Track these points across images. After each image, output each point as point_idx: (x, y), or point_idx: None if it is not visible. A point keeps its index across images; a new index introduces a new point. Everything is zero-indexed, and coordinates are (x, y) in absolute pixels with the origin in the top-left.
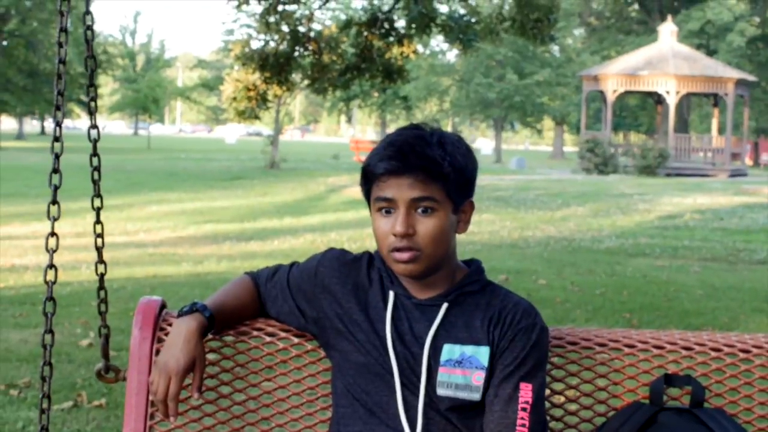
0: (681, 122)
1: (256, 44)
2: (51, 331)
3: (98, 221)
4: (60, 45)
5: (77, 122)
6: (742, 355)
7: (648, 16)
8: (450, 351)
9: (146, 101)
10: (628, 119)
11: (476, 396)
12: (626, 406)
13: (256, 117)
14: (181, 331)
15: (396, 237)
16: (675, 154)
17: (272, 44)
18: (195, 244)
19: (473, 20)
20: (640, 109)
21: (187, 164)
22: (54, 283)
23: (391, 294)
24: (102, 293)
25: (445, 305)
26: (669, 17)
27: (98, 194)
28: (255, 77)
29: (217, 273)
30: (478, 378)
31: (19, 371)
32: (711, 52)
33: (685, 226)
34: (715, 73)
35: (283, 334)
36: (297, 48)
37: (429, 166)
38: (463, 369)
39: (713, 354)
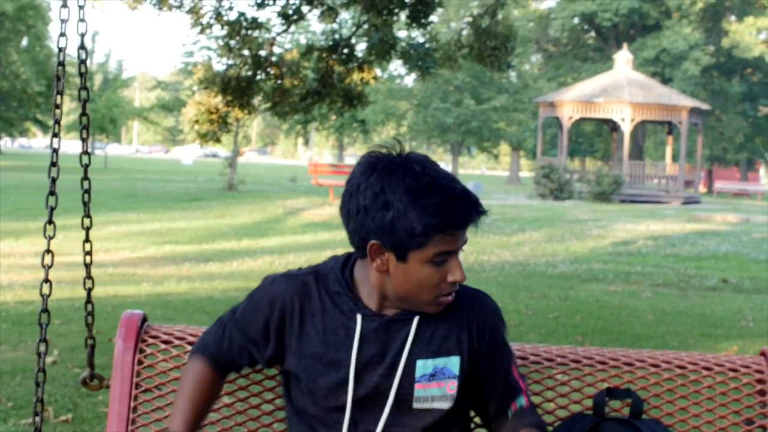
0: (636, 149)
1: (217, 67)
2: (45, 340)
3: (87, 239)
4: (58, 78)
5: (33, 141)
6: (678, 371)
7: (604, 44)
8: (423, 366)
9: (103, 121)
10: (583, 145)
11: (449, 404)
12: (570, 417)
13: (218, 140)
14: None
15: (452, 284)
16: (629, 181)
17: (234, 68)
18: (154, 264)
19: (432, 47)
20: (596, 135)
21: (144, 185)
22: (48, 296)
23: (359, 318)
24: (89, 306)
25: (416, 319)
26: (625, 45)
27: (88, 214)
28: (217, 100)
29: (177, 293)
30: (452, 387)
31: None
32: (666, 80)
33: (638, 252)
34: (669, 101)
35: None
36: (259, 72)
37: (482, 215)
38: (438, 381)
39: (652, 369)
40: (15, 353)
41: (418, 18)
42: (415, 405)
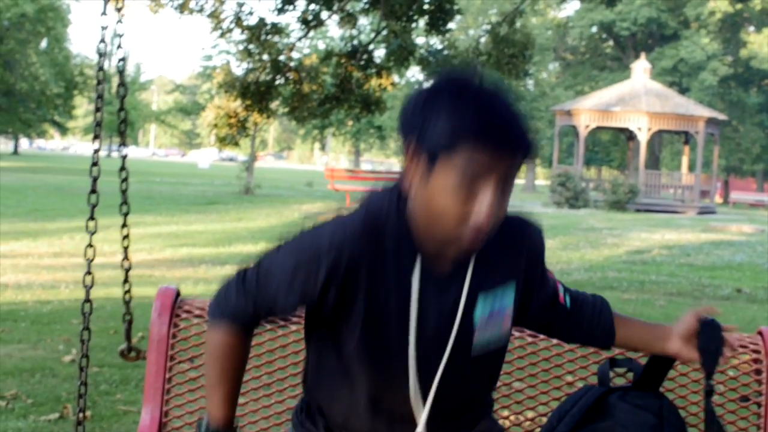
0: (652, 159)
1: (237, 71)
2: (88, 329)
3: (125, 224)
4: (98, 82)
5: (49, 143)
6: None
7: (622, 53)
8: (482, 306)
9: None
10: (600, 154)
11: (505, 341)
12: (578, 390)
13: (236, 143)
14: None
15: (475, 229)
16: (645, 190)
17: (253, 73)
18: (171, 266)
19: (450, 54)
20: (612, 144)
21: (161, 188)
22: (91, 287)
23: (419, 258)
24: (126, 285)
25: (472, 262)
26: (642, 54)
27: (125, 201)
28: (236, 104)
29: (194, 296)
30: (508, 320)
31: (5, 384)
32: (683, 90)
33: (652, 261)
34: (686, 111)
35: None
36: (278, 77)
37: (532, 151)
38: (494, 320)
39: None
40: (35, 351)
41: (436, 25)
42: (474, 351)
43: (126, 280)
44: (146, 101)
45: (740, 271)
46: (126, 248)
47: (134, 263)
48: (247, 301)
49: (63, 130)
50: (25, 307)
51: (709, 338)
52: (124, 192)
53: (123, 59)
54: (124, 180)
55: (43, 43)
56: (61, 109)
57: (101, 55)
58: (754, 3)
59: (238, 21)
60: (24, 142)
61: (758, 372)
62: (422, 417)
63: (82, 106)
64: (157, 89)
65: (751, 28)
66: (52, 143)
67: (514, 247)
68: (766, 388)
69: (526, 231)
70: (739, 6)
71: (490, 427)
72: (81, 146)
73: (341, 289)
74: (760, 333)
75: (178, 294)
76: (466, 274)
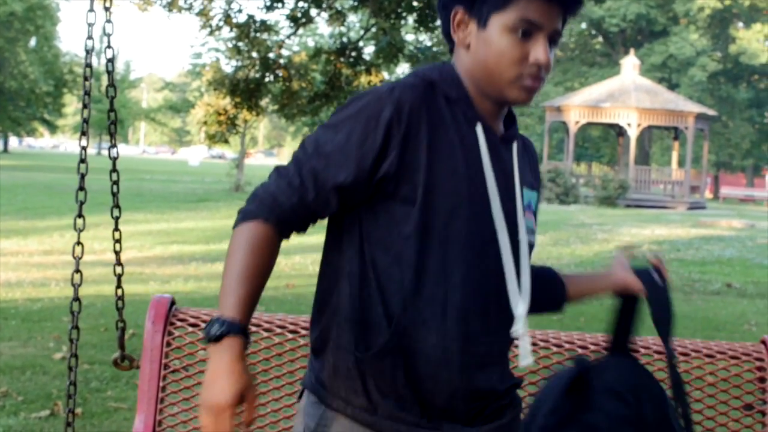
0: (642, 154)
1: (226, 69)
2: (77, 327)
3: (117, 228)
4: (85, 79)
5: (39, 141)
6: (681, 357)
7: (611, 49)
8: (525, 195)
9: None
10: (590, 150)
11: (533, 238)
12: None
13: (226, 141)
14: (221, 363)
15: (535, 66)
16: (635, 186)
17: (243, 70)
18: (162, 264)
19: (440, 51)
20: (602, 140)
21: (152, 185)
22: (80, 285)
23: (479, 127)
24: (119, 291)
25: (515, 145)
26: (632, 51)
27: (117, 205)
28: (225, 102)
29: (185, 292)
30: (534, 222)
31: None
32: (673, 86)
33: (642, 256)
34: (675, 107)
35: (278, 330)
36: (267, 74)
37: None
38: (529, 212)
39: (656, 356)
40: (25, 349)
41: (425, 22)
42: (520, 236)
43: (119, 286)
44: (136, 99)
45: (730, 266)
46: (118, 252)
47: (124, 261)
48: (289, 189)
49: (53, 128)
50: (15, 305)
51: (656, 304)
52: (115, 195)
53: (111, 60)
54: (116, 183)
55: (32, 42)
56: (51, 107)
57: (88, 51)
58: None
59: (227, 19)
60: (14, 141)
61: (762, 380)
62: (522, 305)
63: (72, 104)
64: (146, 87)
65: (740, 24)
66: (42, 141)
67: (532, 161)
68: None
69: (530, 148)
70: (727, 2)
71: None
72: (71, 144)
73: (403, 147)
74: (763, 342)
75: (172, 303)
76: (512, 149)
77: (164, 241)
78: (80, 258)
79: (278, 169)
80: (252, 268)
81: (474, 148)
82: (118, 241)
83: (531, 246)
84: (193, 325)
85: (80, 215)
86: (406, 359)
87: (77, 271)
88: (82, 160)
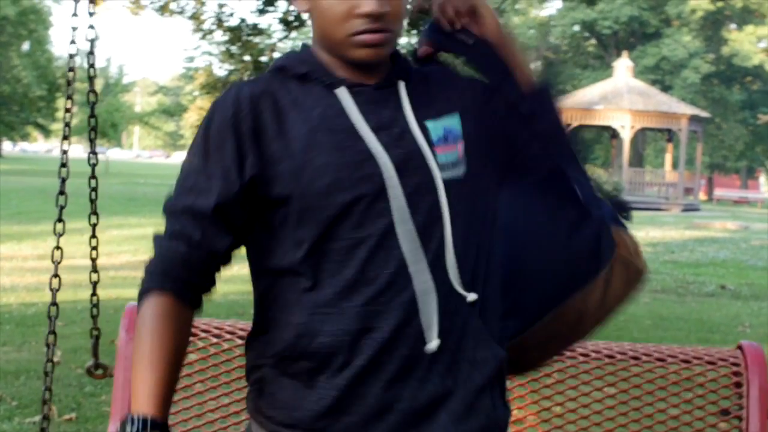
0: (636, 156)
1: (219, 72)
2: (54, 332)
3: (93, 235)
4: (68, 83)
5: (34, 145)
6: (657, 363)
7: (604, 52)
8: (434, 128)
9: (104, 126)
10: (583, 153)
11: (463, 170)
12: None
13: None
14: None
15: (364, 18)
16: (629, 188)
17: (235, 74)
18: None
19: None
20: (596, 142)
21: (146, 189)
22: (58, 290)
23: (343, 90)
24: (94, 299)
25: (402, 84)
26: (625, 53)
27: (95, 212)
28: None
29: None
30: (461, 148)
31: None
32: (666, 88)
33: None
34: (669, 109)
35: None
36: None
37: None
38: (450, 144)
39: (632, 362)
40: (19, 354)
41: (417, 25)
42: (443, 174)
43: (94, 293)
44: (130, 103)
45: (724, 268)
46: (94, 260)
47: (118, 265)
48: (172, 241)
49: (46, 132)
50: (9, 310)
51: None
52: (93, 201)
53: (92, 65)
54: (94, 189)
55: (25, 46)
56: (44, 112)
57: (71, 56)
58: (735, 1)
59: (219, 22)
60: (7, 145)
61: (738, 385)
62: (432, 303)
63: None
64: (140, 91)
65: (733, 26)
66: (36, 146)
67: (453, 81)
68: (747, 401)
69: (452, 80)
70: (720, 4)
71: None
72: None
73: (256, 141)
74: (740, 347)
75: None
76: (398, 91)
77: None
78: (59, 262)
79: (155, 236)
80: (159, 350)
81: (341, 114)
82: (95, 248)
83: (458, 181)
84: None
85: (60, 219)
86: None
87: (55, 275)
88: (63, 164)
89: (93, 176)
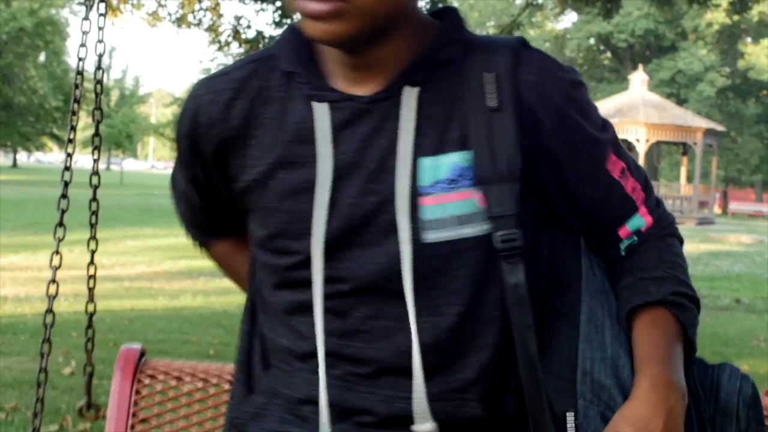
0: (651, 170)
1: None
2: (48, 341)
3: (92, 262)
4: (76, 87)
5: (50, 156)
6: None
7: (620, 65)
8: (434, 168)
9: (120, 137)
10: None
11: (478, 227)
12: None
13: None
14: None
15: None
16: None
17: None
18: (170, 278)
19: None
20: None
21: (160, 201)
22: (55, 296)
23: (319, 105)
24: (89, 332)
25: (414, 91)
26: (640, 66)
27: (94, 237)
28: None
29: (193, 308)
30: (472, 194)
31: (5, 396)
32: (681, 102)
33: None
34: (684, 123)
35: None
36: None
37: None
38: (460, 190)
39: None
40: (34, 364)
41: None
42: (429, 236)
43: (89, 326)
44: (145, 114)
45: (739, 282)
46: (91, 289)
47: (133, 276)
48: (177, 209)
49: (62, 143)
50: (24, 320)
51: None
52: (93, 225)
53: (99, 82)
54: (94, 213)
55: (42, 57)
56: (60, 122)
57: (81, 59)
58: (751, 14)
59: (236, 34)
60: (23, 156)
61: None
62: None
63: (82, 119)
64: (155, 102)
65: (749, 39)
66: (51, 156)
67: (473, 91)
68: None
69: (504, 61)
70: (736, 17)
71: None
72: (81, 159)
73: (222, 151)
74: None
75: (142, 353)
76: (398, 107)
77: (173, 256)
78: (57, 268)
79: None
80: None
81: (311, 140)
82: (93, 276)
83: (463, 242)
84: (163, 381)
85: (61, 224)
86: None
87: (53, 281)
88: (67, 168)
89: (94, 198)
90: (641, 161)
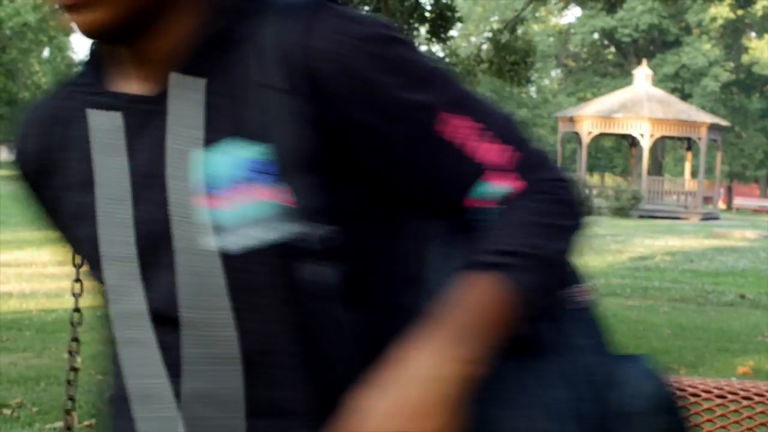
0: (655, 165)
1: None
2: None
3: (78, 279)
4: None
5: None
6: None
7: (624, 59)
8: (225, 166)
9: None
10: (602, 161)
11: (279, 232)
12: None
13: None
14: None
15: None
16: (648, 197)
17: None
18: None
19: (452, 62)
20: (615, 151)
21: None
22: (80, 295)
23: (93, 113)
24: (78, 360)
25: (198, 82)
26: (644, 61)
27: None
28: None
29: None
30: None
31: (10, 392)
32: (685, 97)
33: (655, 267)
34: (688, 117)
35: None
36: None
37: None
38: (259, 189)
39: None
40: (39, 360)
41: (437, 32)
42: (221, 243)
43: (76, 349)
44: None
45: (743, 277)
46: (74, 327)
47: None
48: None
49: None
50: (29, 316)
51: None
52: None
53: None
54: None
55: (46, 52)
56: None
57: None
58: (755, 9)
59: None
60: None
61: None
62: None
63: None
64: None
65: (753, 34)
66: None
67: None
68: None
69: (295, 32)
70: (740, 12)
71: None
72: None
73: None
74: None
75: None
76: (165, 103)
77: None
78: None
79: None
80: None
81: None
82: (79, 294)
83: (230, 256)
84: None
85: None
86: None
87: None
88: None
89: None
90: (645, 156)
